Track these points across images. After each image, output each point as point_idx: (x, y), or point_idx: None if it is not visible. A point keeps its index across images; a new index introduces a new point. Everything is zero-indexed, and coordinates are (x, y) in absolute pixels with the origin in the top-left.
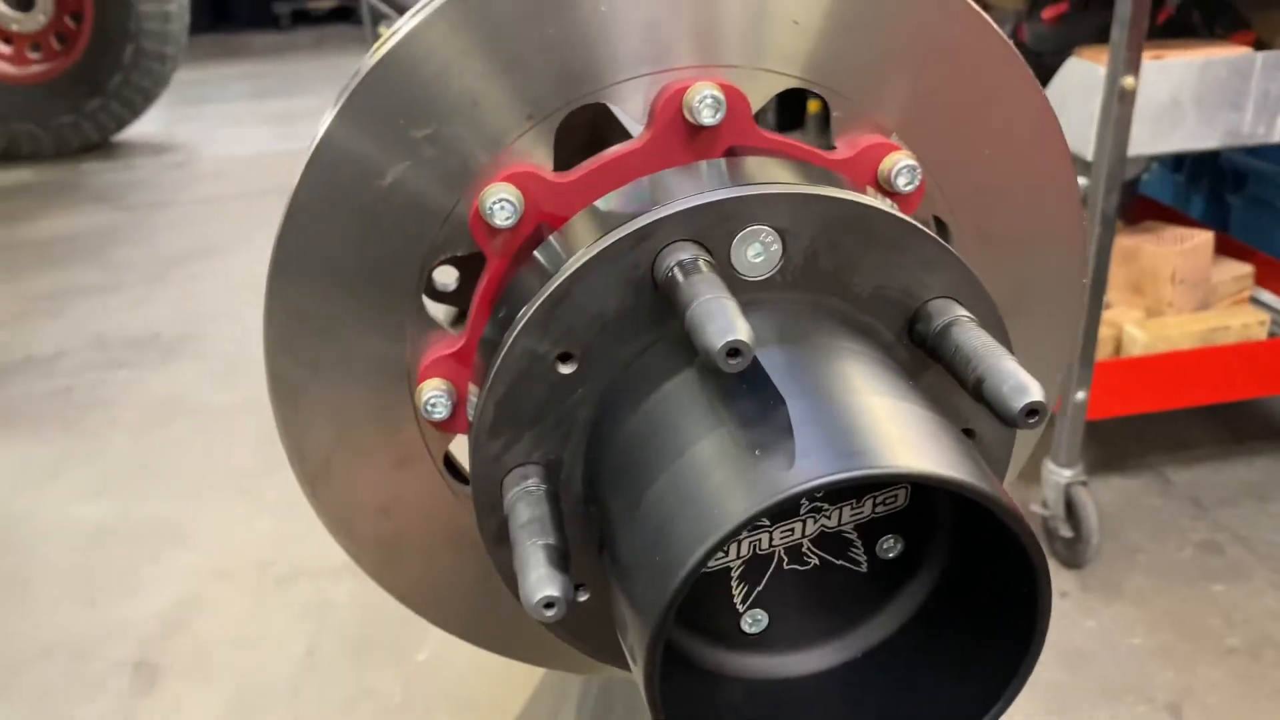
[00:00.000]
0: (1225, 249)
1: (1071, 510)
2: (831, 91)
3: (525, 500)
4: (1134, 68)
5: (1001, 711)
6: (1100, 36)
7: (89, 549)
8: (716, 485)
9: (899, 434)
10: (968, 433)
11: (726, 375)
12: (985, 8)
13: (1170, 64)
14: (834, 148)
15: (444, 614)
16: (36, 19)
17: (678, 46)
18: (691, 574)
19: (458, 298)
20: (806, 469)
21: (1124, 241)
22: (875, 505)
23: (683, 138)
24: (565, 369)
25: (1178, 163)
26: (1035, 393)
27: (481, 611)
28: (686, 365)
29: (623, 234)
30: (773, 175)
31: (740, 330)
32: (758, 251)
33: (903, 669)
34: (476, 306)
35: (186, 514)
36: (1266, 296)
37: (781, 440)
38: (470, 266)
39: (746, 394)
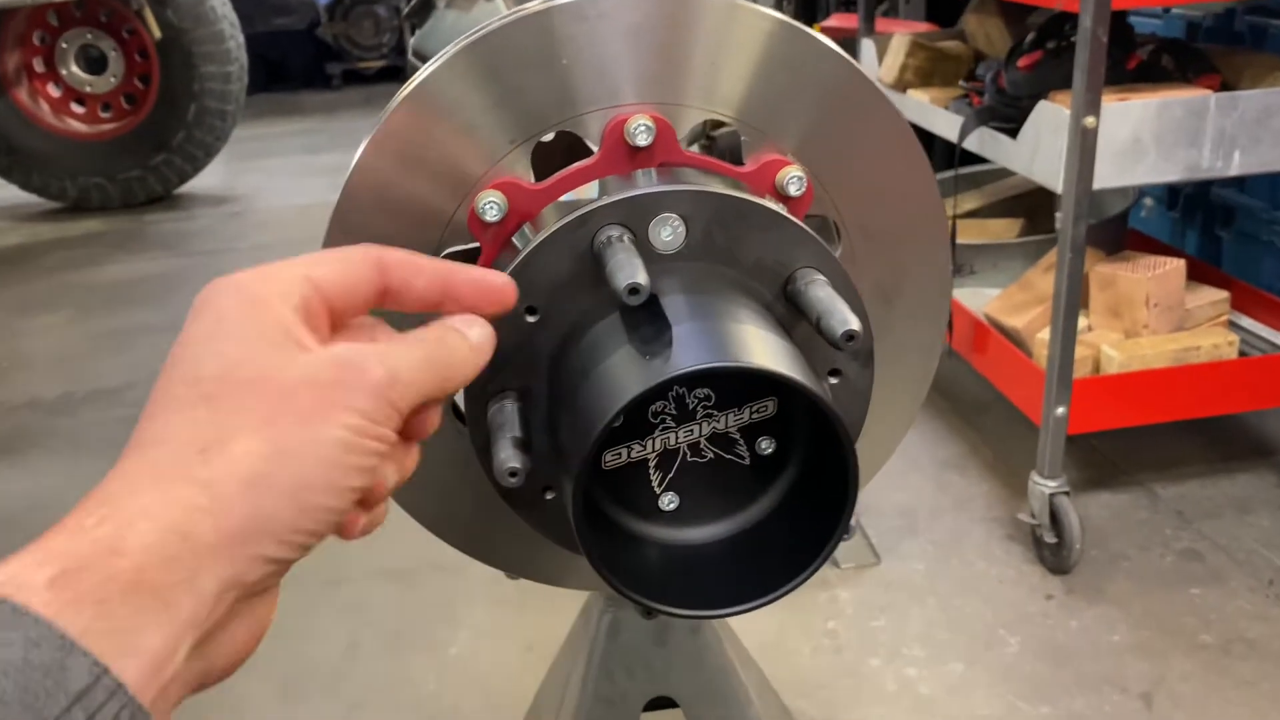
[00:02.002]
0: (1208, 278)
1: (1055, 519)
2: (742, 123)
3: (501, 413)
4: (1094, 109)
5: (816, 568)
6: (1069, 82)
7: None
8: (617, 378)
9: (757, 346)
10: (834, 372)
11: (633, 311)
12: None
13: (1129, 105)
14: (743, 164)
15: (449, 529)
16: (108, 81)
17: (623, 88)
18: (601, 434)
19: None
20: (679, 361)
21: (1102, 270)
22: (752, 413)
23: (625, 155)
24: (530, 319)
25: (1172, 200)
26: (853, 323)
27: (479, 527)
28: (613, 312)
29: (570, 218)
30: (686, 180)
31: (639, 274)
32: (669, 232)
33: (771, 538)
34: None
35: None
36: (1245, 321)
37: (665, 348)
38: (468, 259)
39: (648, 322)
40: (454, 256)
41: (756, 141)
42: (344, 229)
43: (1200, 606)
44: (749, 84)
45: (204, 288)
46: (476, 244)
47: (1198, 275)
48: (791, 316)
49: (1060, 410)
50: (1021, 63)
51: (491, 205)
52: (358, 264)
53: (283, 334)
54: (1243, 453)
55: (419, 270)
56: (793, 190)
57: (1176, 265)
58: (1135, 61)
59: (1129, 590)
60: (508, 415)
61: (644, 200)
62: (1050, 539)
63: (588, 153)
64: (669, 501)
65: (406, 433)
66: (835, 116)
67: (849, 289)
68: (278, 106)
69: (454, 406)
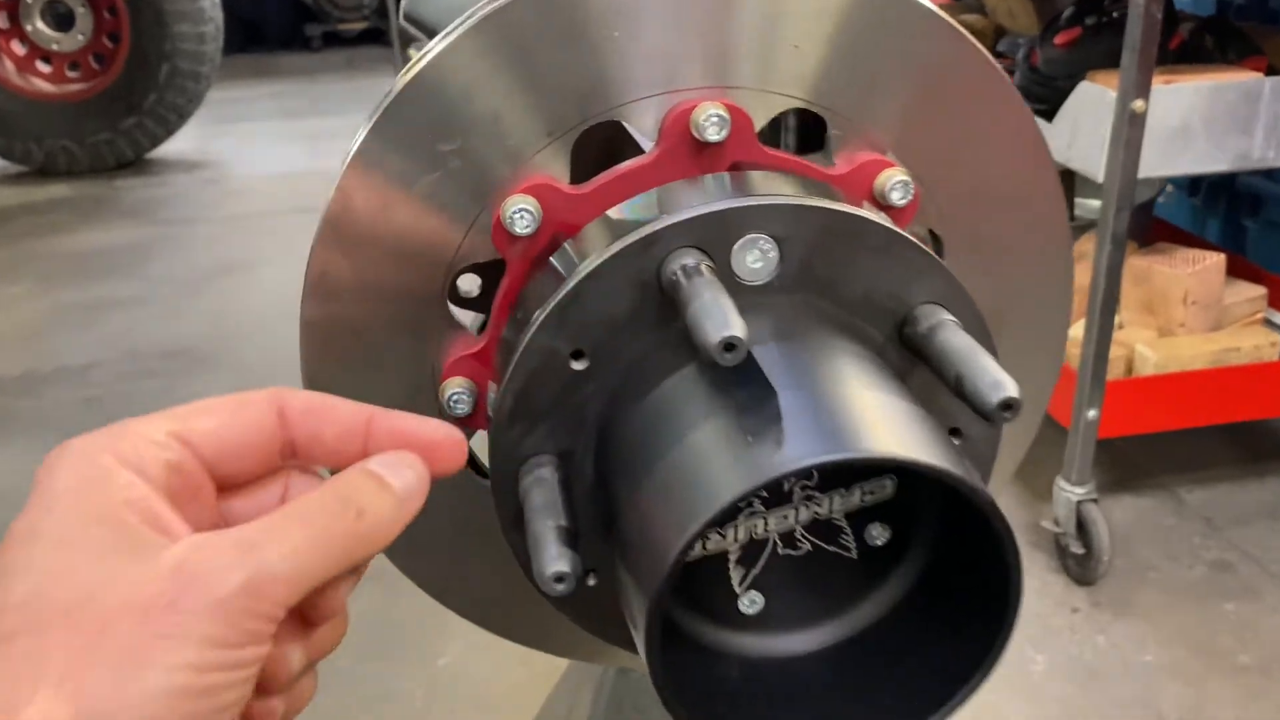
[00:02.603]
0: (1239, 271)
1: (1082, 527)
2: (830, 111)
3: (539, 487)
4: (1144, 91)
5: (967, 695)
6: (1111, 61)
7: None
8: (711, 467)
9: (882, 423)
10: (954, 432)
11: (723, 369)
12: (1001, 33)
13: (1180, 88)
14: (834, 164)
15: (463, 601)
16: (75, 39)
17: (687, 69)
18: (688, 545)
19: (480, 304)
20: (793, 452)
21: (1136, 263)
22: (863, 494)
23: (690, 153)
24: (577, 365)
25: (1194, 186)
26: (1010, 388)
27: (498, 599)
28: (688, 362)
29: (631, 240)
30: (772, 188)
31: (735, 326)
32: (756, 258)
33: (890, 650)
34: (497, 310)
35: None
36: (1275, 316)
37: (771, 427)
38: (491, 274)
39: (741, 386)
40: (473, 271)
41: (847, 134)
42: (339, 235)
43: (1235, 623)
44: (836, 62)
45: (50, 453)
46: (497, 258)
47: (1230, 269)
48: (906, 363)
49: (1092, 413)
50: (1059, 39)
51: (522, 214)
52: (250, 415)
53: (119, 529)
54: (1273, 455)
55: (330, 419)
56: (896, 198)
57: (1216, 261)
58: (1177, 41)
59: (1158, 604)
60: (548, 492)
61: (728, 216)
62: (1077, 549)
63: (634, 150)
64: (751, 603)
65: (310, 618)
66: (942, 100)
67: (983, 332)
68: (254, 68)
69: (470, 456)
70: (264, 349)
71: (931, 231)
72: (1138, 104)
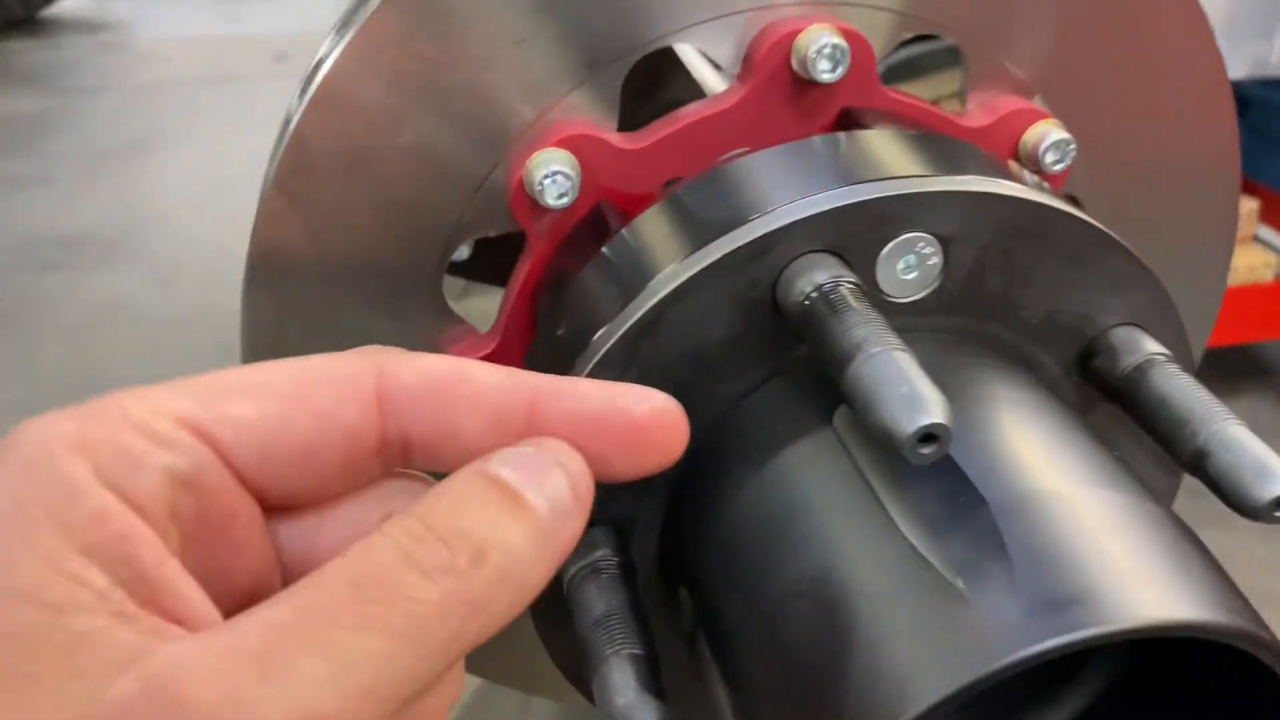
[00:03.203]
0: None
1: None
2: (967, 38)
3: (596, 584)
4: None
5: None
6: None
7: None
8: (904, 629)
9: (1135, 559)
10: None
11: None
12: None
13: None
14: (967, 113)
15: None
16: None
17: None
18: None
19: (469, 269)
20: (1042, 624)
21: None
22: None
23: (786, 96)
24: None
25: None
26: None
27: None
28: (819, 419)
29: (738, 244)
30: (916, 159)
31: (935, 408)
32: (910, 265)
33: None
34: (514, 299)
35: None
36: (1266, 233)
37: (991, 569)
38: (504, 259)
39: (922, 480)
40: (482, 246)
41: (983, 71)
42: (294, 195)
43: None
44: None
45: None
46: (515, 230)
47: None
48: (1083, 399)
49: None
50: None
51: (556, 179)
52: (324, 400)
53: (55, 614)
54: (1241, 374)
55: (468, 400)
56: (1051, 161)
57: None
58: None
59: None
60: (608, 591)
61: (879, 209)
62: None
63: (690, 90)
64: None
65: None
66: (1108, 32)
67: (1188, 361)
68: None
69: None
70: (177, 237)
71: (1072, 199)
72: None
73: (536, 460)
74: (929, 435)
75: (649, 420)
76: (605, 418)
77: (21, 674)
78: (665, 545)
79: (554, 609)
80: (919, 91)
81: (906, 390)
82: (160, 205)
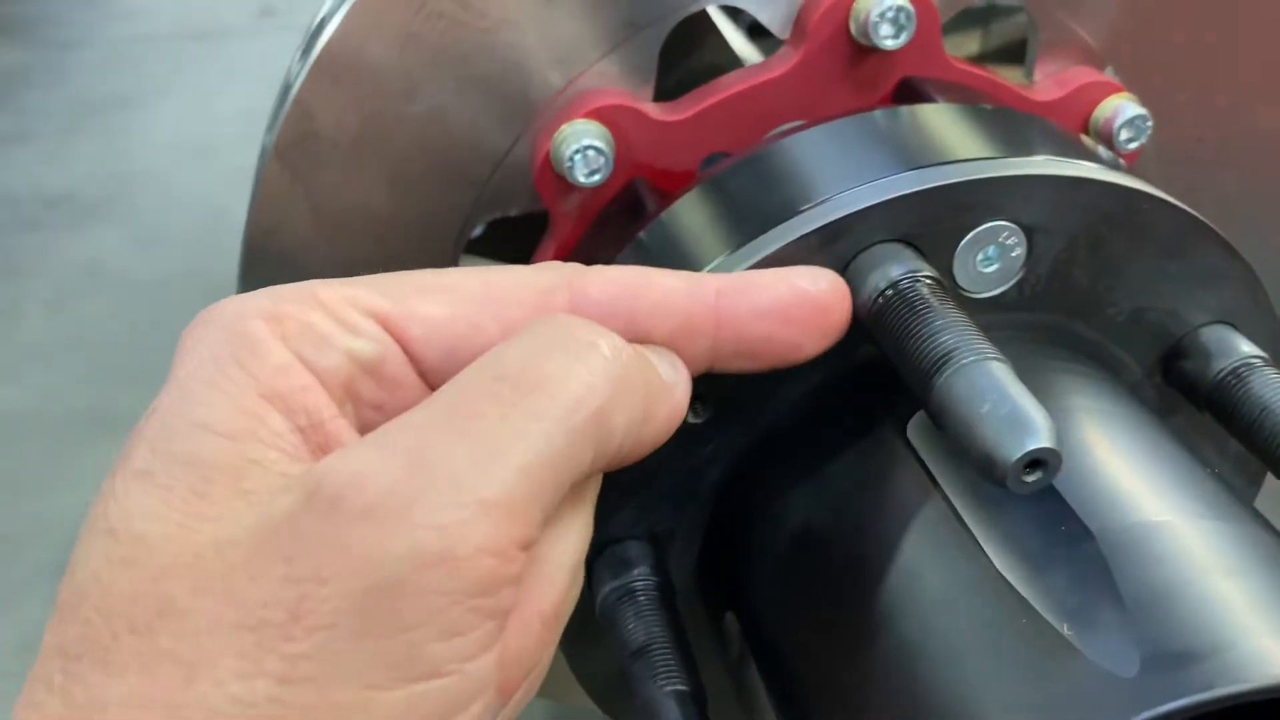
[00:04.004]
0: None
1: None
2: (1036, 1)
3: (633, 608)
4: None
5: None
6: None
7: (3, 440)
8: (1005, 686)
9: (1262, 603)
10: None
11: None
12: None
13: None
14: (1032, 81)
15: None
16: None
17: None
18: None
19: (486, 248)
20: (1165, 683)
21: None
22: None
23: (842, 64)
24: (694, 418)
25: None
26: None
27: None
28: (892, 428)
29: (803, 232)
30: (991, 139)
31: (1042, 430)
32: (990, 258)
33: None
34: None
35: (114, 401)
36: None
37: (1103, 614)
38: (520, 247)
39: (1015, 506)
40: (497, 227)
41: (1050, 39)
42: (296, 171)
43: None
44: None
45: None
46: (538, 210)
47: None
48: (1166, 402)
49: None
50: None
51: (587, 154)
52: (511, 308)
53: (238, 447)
54: None
55: (655, 305)
56: (1125, 138)
57: None
58: None
59: None
60: (648, 615)
61: (960, 194)
62: None
63: (724, 55)
64: None
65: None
66: None
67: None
68: None
69: None
70: (162, 197)
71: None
72: None
73: (653, 349)
74: (1036, 461)
75: (830, 295)
76: (790, 303)
77: (195, 492)
78: (707, 563)
79: (586, 630)
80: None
81: (1009, 409)
82: (143, 164)
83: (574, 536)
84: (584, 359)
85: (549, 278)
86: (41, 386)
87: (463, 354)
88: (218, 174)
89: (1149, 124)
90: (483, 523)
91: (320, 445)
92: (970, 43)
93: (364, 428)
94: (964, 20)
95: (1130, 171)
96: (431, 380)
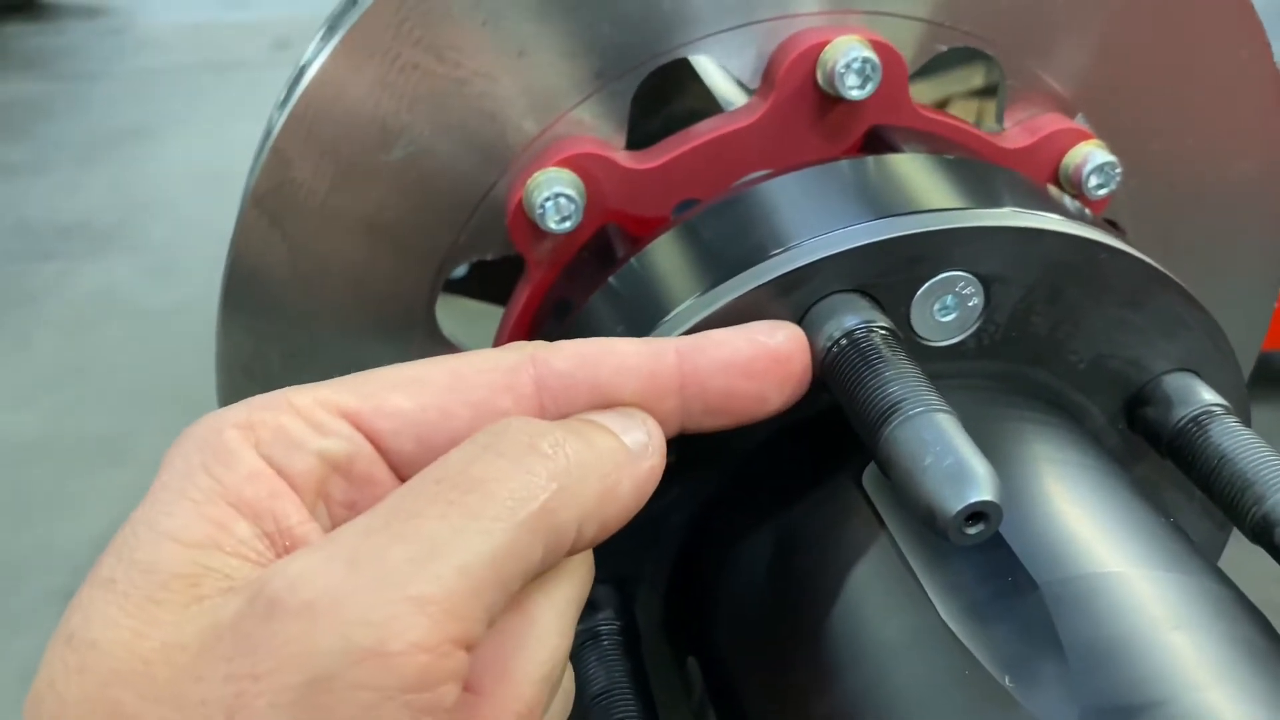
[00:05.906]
0: None
1: None
2: (1005, 51)
3: (597, 653)
4: None
5: None
6: None
7: (13, 466)
8: None
9: (1208, 658)
10: None
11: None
12: None
13: None
14: (1002, 129)
15: None
16: None
17: None
18: None
19: (468, 287)
20: None
21: None
22: None
23: (810, 114)
24: None
25: None
26: None
27: None
28: (846, 477)
29: (760, 282)
30: (954, 188)
31: (984, 483)
32: (948, 307)
33: None
34: (512, 327)
35: (123, 427)
36: None
37: (1044, 667)
38: (496, 284)
39: (964, 557)
40: (478, 268)
41: (1020, 86)
42: (275, 217)
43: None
44: None
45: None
46: (514, 254)
47: None
48: (1129, 449)
49: None
50: None
51: (559, 202)
52: (478, 390)
53: (196, 549)
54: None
55: (623, 373)
56: (1094, 185)
57: None
58: None
59: None
60: (610, 665)
61: (916, 245)
62: None
63: (707, 104)
64: None
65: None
66: (1145, 37)
67: (1245, 410)
68: None
69: None
70: (174, 226)
71: (1112, 224)
72: None
73: (621, 413)
74: (977, 514)
75: (788, 345)
76: (751, 357)
77: (151, 599)
78: (671, 607)
79: None
80: (923, 92)
81: (951, 462)
82: (158, 193)
83: (547, 642)
84: (522, 460)
85: (514, 357)
86: (51, 413)
87: (435, 442)
88: (230, 203)
89: (1118, 171)
90: (417, 618)
91: (287, 549)
92: (974, 76)
93: (336, 527)
94: (966, 55)
95: (1095, 221)
96: (405, 473)
